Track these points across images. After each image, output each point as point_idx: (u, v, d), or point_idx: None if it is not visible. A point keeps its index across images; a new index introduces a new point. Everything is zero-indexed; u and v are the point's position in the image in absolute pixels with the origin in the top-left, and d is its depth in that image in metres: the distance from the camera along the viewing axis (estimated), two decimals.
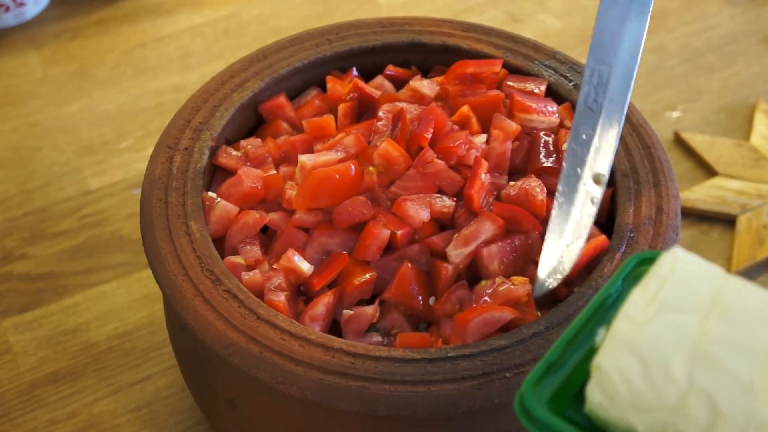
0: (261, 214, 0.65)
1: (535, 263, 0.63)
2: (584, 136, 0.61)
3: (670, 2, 1.11)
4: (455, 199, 0.65)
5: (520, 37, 0.74)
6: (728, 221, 0.89)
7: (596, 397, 0.44)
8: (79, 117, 0.99)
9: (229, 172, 0.68)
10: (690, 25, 1.09)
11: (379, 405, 0.55)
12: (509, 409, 0.56)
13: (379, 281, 0.63)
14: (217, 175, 0.69)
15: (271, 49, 0.74)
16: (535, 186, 0.64)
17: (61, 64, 1.04)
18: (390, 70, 0.74)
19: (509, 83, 0.71)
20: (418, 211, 0.63)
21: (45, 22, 1.09)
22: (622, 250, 0.61)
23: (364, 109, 0.71)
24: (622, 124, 0.62)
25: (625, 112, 0.62)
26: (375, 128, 0.68)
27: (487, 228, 0.62)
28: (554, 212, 0.61)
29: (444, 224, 0.65)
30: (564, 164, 0.61)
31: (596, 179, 0.62)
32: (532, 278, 0.62)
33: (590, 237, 0.62)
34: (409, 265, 0.63)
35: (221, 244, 0.65)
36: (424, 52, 0.75)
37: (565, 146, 0.65)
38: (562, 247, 0.61)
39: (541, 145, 0.67)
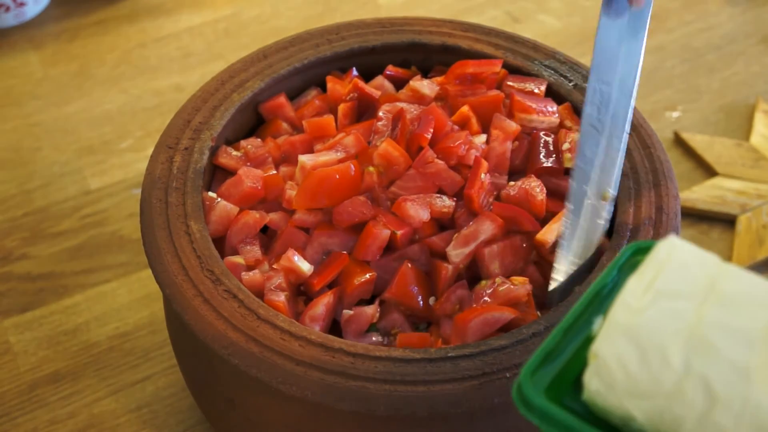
0: (261, 214, 0.65)
1: (535, 263, 0.64)
2: (589, 155, 0.62)
3: (670, 2, 1.11)
4: (455, 199, 0.65)
5: (520, 37, 0.75)
6: (728, 221, 0.89)
7: (594, 385, 0.44)
8: (79, 117, 0.99)
9: (229, 172, 0.68)
10: (690, 25, 1.09)
11: (379, 405, 0.55)
12: (509, 409, 0.56)
13: (379, 281, 0.63)
14: (217, 175, 0.69)
15: (271, 49, 0.74)
16: (534, 186, 0.64)
17: (61, 64, 1.04)
18: (390, 70, 0.74)
19: (509, 83, 0.71)
20: (419, 211, 0.63)
21: (45, 22, 1.09)
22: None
23: (364, 109, 0.71)
24: (625, 142, 0.63)
25: (628, 129, 0.63)
26: (375, 128, 0.68)
27: (486, 228, 0.63)
28: (564, 230, 0.61)
29: (444, 224, 0.65)
30: (571, 182, 0.62)
31: (603, 196, 0.62)
32: (532, 278, 0.62)
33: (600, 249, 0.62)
34: (409, 265, 0.63)
35: (221, 244, 0.65)
36: (424, 52, 0.75)
37: (569, 159, 0.66)
38: (573, 263, 0.61)
39: (541, 145, 0.67)
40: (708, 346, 0.43)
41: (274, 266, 0.63)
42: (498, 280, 0.61)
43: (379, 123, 0.68)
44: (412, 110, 0.68)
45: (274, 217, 0.66)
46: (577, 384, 0.46)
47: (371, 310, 0.62)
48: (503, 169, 0.67)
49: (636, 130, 0.68)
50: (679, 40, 1.07)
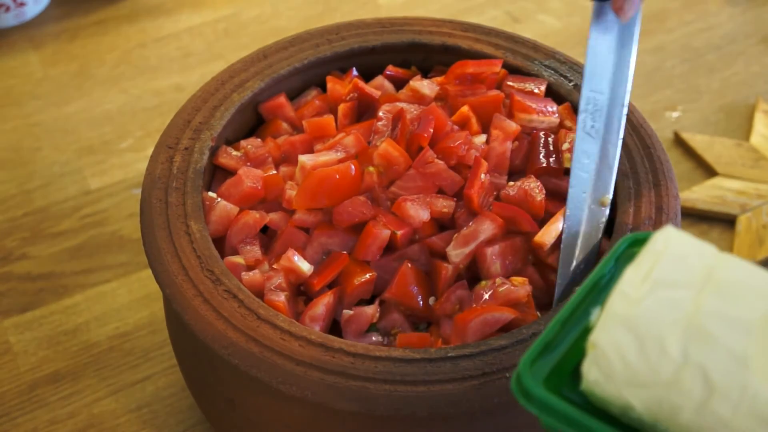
0: (261, 214, 0.65)
1: (533, 264, 0.64)
2: (586, 161, 0.63)
3: (670, 2, 1.11)
4: (455, 199, 0.65)
5: (520, 37, 0.74)
6: (728, 221, 0.89)
7: (592, 374, 0.44)
8: (79, 117, 0.99)
9: (229, 172, 0.68)
10: (690, 25, 1.09)
11: (379, 405, 0.55)
12: (509, 409, 0.57)
13: (379, 281, 0.63)
14: (217, 175, 0.69)
15: (271, 49, 0.74)
16: (534, 187, 0.64)
17: (61, 64, 1.04)
18: (390, 70, 0.74)
19: (509, 83, 0.71)
20: (419, 211, 0.63)
21: (45, 22, 1.09)
22: None
23: (364, 109, 0.71)
24: (619, 148, 0.64)
25: (622, 136, 0.64)
26: (375, 128, 0.68)
27: (486, 227, 0.63)
28: (564, 236, 0.62)
29: (444, 224, 0.65)
30: (569, 189, 0.63)
31: (602, 202, 0.63)
32: (531, 279, 0.62)
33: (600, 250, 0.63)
34: (409, 265, 0.63)
35: (221, 244, 0.65)
36: (424, 52, 0.75)
37: (568, 160, 0.66)
38: (574, 269, 0.62)
39: (541, 145, 0.67)
40: (706, 335, 0.43)
41: (274, 266, 0.63)
42: (498, 280, 0.61)
43: (379, 123, 0.68)
44: (412, 110, 0.68)
45: (274, 217, 0.66)
46: (576, 375, 0.46)
47: (371, 310, 0.62)
48: (503, 169, 0.67)
49: (636, 130, 0.68)
50: (679, 40, 1.07)
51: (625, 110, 0.64)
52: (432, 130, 0.65)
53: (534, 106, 0.68)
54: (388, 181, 0.65)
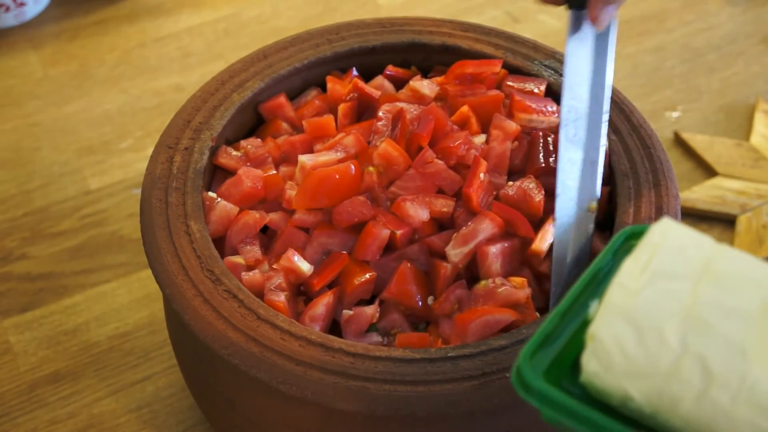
0: (261, 214, 0.65)
1: (529, 266, 0.64)
2: (571, 169, 0.63)
3: (670, 2, 1.11)
4: (454, 198, 0.65)
5: (520, 37, 0.74)
6: (728, 221, 0.89)
7: (591, 366, 0.44)
8: (79, 117, 0.99)
9: (229, 172, 0.68)
10: (690, 25, 1.09)
11: (379, 405, 0.55)
12: (509, 409, 0.57)
13: (379, 281, 0.63)
14: (217, 175, 0.69)
15: (271, 49, 0.74)
16: (532, 187, 0.64)
17: (61, 64, 1.04)
18: (390, 70, 0.74)
19: (509, 83, 0.71)
20: (418, 211, 0.63)
21: (45, 22, 1.09)
22: None
23: (364, 109, 0.71)
24: (602, 156, 0.64)
25: (604, 143, 0.64)
26: (375, 128, 0.68)
27: (485, 227, 0.63)
28: (555, 244, 0.62)
29: (443, 224, 0.65)
30: (557, 197, 0.63)
31: (590, 208, 0.64)
32: (527, 279, 0.62)
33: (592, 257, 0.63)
34: (408, 264, 0.63)
35: (221, 244, 0.65)
36: (424, 52, 0.75)
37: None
38: (567, 275, 0.62)
39: (541, 145, 0.67)
40: (704, 325, 0.43)
41: (274, 266, 0.63)
42: (498, 281, 0.61)
43: (379, 123, 0.68)
44: (411, 110, 0.68)
45: (274, 217, 0.66)
46: (575, 367, 0.46)
47: (371, 311, 0.62)
48: (503, 169, 0.67)
49: (636, 130, 0.68)
50: (679, 40, 1.07)
51: (606, 117, 0.64)
52: (432, 130, 0.65)
53: (534, 105, 0.68)
54: (387, 181, 0.65)
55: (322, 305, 0.61)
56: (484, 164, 0.64)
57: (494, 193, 0.65)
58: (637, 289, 0.45)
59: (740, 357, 0.42)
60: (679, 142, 0.96)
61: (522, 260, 0.64)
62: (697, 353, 0.43)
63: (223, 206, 0.65)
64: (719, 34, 1.08)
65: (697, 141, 0.95)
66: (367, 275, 0.62)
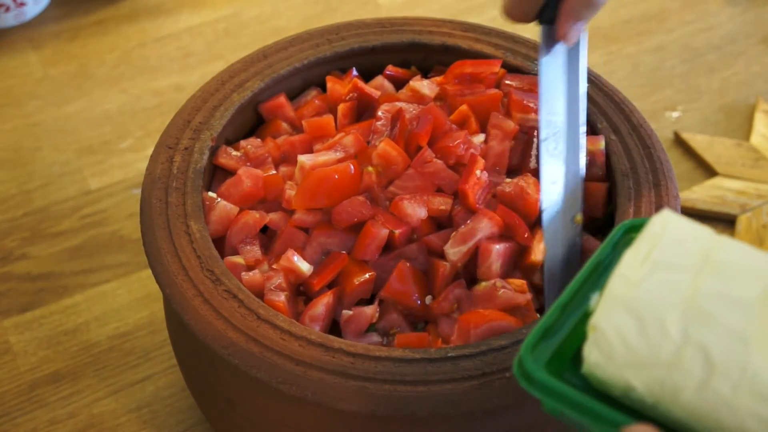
0: (261, 214, 0.65)
1: (522, 273, 0.64)
2: (554, 183, 0.64)
3: (670, 2, 1.11)
4: (452, 196, 0.65)
5: (520, 37, 0.74)
6: (728, 221, 0.89)
7: (593, 357, 0.45)
8: (79, 117, 0.99)
9: (229, 172, 0.68)
10: (690, 25, 1.09)
11: (379, 405, 0.55)
12: (509, 409, 0.57)
13: (378, 281, 0.63)
14: (217, 175, 0.69)
15: (271, 49, 0.74)
16: (530, 184, 0.64)
17: (61, 64, 1.04)
18: (390, 70, 0.74)
19: (507, 81, 0.71)
20: (416, 209, 0.63)
21: (45, 22, 1.09)
22: None
23: (363, 109, 0.71)
24: (583, 167, 0.65)
25: (583, 155, 0.65)
26: (374, 128, 0.68)
27: (484, 226, 0.62)
28: (546, 257, 0.63)
29: (442, 223, 0.65)
30: (543, 212, 0.64)
31: (575, 219, 0.64)
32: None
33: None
34: (406, 263, 0.63)
35: (221, 244, 0.65)
36: (424, 52, 0.75)
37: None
38: (559, 285, 0.62)
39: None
40: (705, 315, 0.43)
41: (274, 266, 0.63)
42: (498, 282, 0.61)
43: (378, 123, 0.68)
44: (411, 110, 0.68)
45: (273, 217, 0.66)
46: (576, 359, 0.47)
47: (370, 311, 0.62)
48: (502, 168, 0.67)
49: (636, 130, 0.68)
50: (679, 40, 1.07)
51: (583, 129, 0.65)
52: (431, 130, 0.65)
53: (532, 104, 0.68)
54: (386, 181, 0.65)
55: (321, 305, 0.61)
56: (481, 162, 0.64)
57: (493, 191, 0.65)
58: (638, 280, 0.45)
59: (741, 346, 0.42)
60: (679, 142, 0.96)
61: (516, 266, 0.64)
62: (698, 343, 0.43)
63: (223, 206, 0.65)
64: (719, 34, 1.08)
65: (697, 141, 0.95)
66: (367, 275, 0.62)
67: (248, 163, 0.68)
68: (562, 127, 0.64)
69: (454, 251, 0.62)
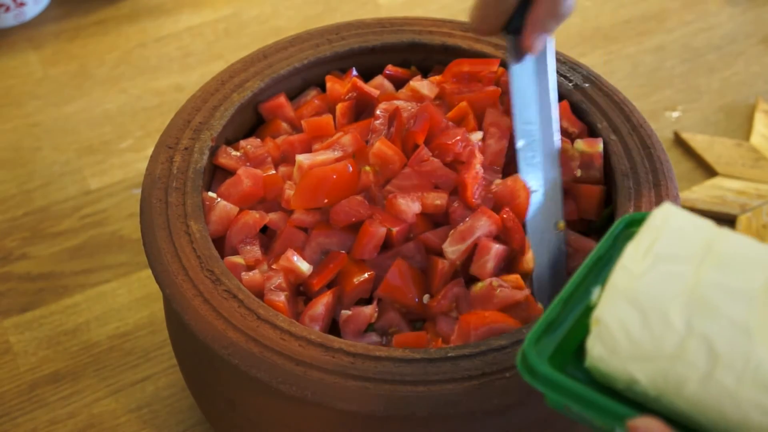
0: (261, 214, 0.65)
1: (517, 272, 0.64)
2: (534, 190, 0.65)
3: (670, 2, 1.11)
4: (447, 192, 0.64)
5: None
6: (728, 221, 0.89)
7: (597, 350, 0.45)
8: (79, 117, 0.99)
9: (229, 172, 0.68)
10: (690, 25, 1.09)
11: (379, 405, 0.55)
12: (509, 409, 0.57)
13: (377, 280, 0.63)
14: (217, 175, 0.69)
15: (271, 49, 0.74)
16: (520, 185, 0.64)
17: (61, 64, 1.04)
18: (389, 69, 0.74)
19: (505, 78, 0.71)
20: (410, 205, 0.63)
21: (45, 22, 1.09)
22: None
23: (363, 109, 0.71)
24: (560, 174, 0.66)
25: (558, 162, 0.66)
26: (373, 127, 0.68)
27: (483, 224, 0.62)
28: (535, 264, 0.63)
29: (438, 221, 0.65)
30: (527, 218, 0.64)
31: (558, 226, 0.65)
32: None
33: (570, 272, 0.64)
34: (403, 261, 0.63)
35: (221, 244, 0.65)
36: (424, 52, 0.75)
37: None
38: (548, 293, 0.63)
39: None
40: (708, 306, 0.43)
41: (274, 266, 0.63)
42: (495, 282, 0.61)
43: (377, 122, 0.68)
44: (408, 108, 0.68)
45: (273, 217, 0.66)
46: (579, 353, 0.47)
47: (369, 310, 0.62)
48: (499, 167, 0.67)
49: (636, 130, 0.68)
50: (679, 40, 1.07)
51: (558, 136, 0.66)
52: (427, 128, 0.65)
53: None
54: (384, 180, 0.65)
55: (321, 305, 0.61)
56: (480, 156, 0.65)
57: (488, 189, 0.65)
58: (640, 273, 0.45)
59: (745, 337, 0.43)
60: (679, 142, 0.96)
61: (508, 272, 0.64)
62: (702, 334, 0.43)
63: (223, 206, 0.65)
64: (719, 34, 1.08)
65: (697, 141, 0.95)
66: (366, 275, 0.62)
67: (248, 163, 0.68)
68: (538, 135, 0.65)
69: (453, 249, 0.62)
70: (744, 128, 0.98)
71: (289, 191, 0.65)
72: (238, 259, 0.63)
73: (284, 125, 0.72)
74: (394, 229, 0.63)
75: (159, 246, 0.61)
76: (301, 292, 0.63)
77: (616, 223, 0.52)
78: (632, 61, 1.04)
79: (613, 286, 0.45)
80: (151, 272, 0.62)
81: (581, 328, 0.47)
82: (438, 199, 0.64)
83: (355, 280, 0.62)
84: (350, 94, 0.71)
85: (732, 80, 1.02)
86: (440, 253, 0.63)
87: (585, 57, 1.04)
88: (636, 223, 0.51)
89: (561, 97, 0.71)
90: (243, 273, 0.62)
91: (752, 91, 1.01)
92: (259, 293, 0.61)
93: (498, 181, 0.65)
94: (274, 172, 0.68)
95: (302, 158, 0.65)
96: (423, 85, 0.70)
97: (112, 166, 0.94)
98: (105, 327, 0.81)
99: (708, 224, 0.48)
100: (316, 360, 0.56)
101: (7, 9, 1.06)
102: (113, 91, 1.01)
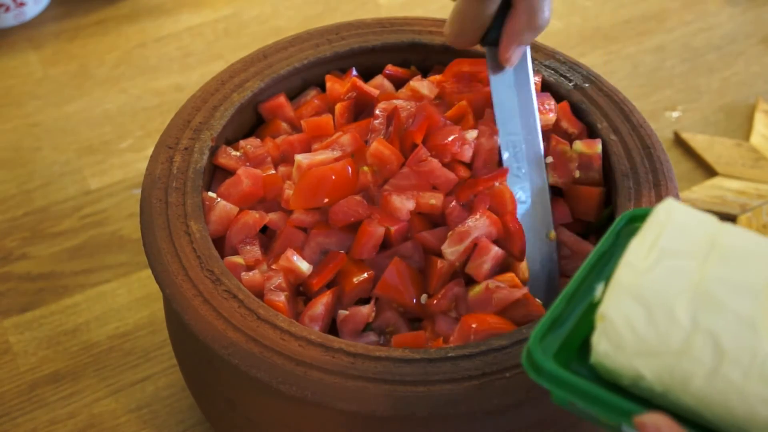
0: (261, 214, 0.65)
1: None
2: (523, 202, 0.65)
3: (670, 2, 1.11)
4: (445, 194, 0.64)
5: None
6: (728, 221, 0.89)
7: (602, 346, 0.44)
8: (79, 117, 0.99)
9: (229, 172, 0.68)
10: (690, 25, 1.09)
11: (379, 405, 0.55)
12: (509, 409, 0.57)
13: (376, 280, 0.63)
14: (217, 175, 0.69)
15: (271, 49, 0.74)
16: (504, 190, 0.64)
17: (61, 64, 1.04)
18: (389, 69, 0.74)
19: None
20: (404, 202, 0.63)
21: (45, 22, 1.09)
22: None
23: (362, 108, 0.71)
24: (547, 183, 0.66)
25: (545, 171, 0.66)
26: (372, 126, 0.68)
27: (481, 224, 0.62)
28: (530, 273, 0.63)
29: (436, 221, 0.65)
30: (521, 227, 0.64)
31: (549, 236, 0.65)
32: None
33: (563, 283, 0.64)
34: (400, 260, 0.63)
35: (221, 244, 0.65)
36: (424, 52, 0.75)
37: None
38: (543, 303, 0.62)
39: None
40: (714, 301, 0.43)
41: (274, 266, 0.63)
42: (491, 284, 0.61)
43: (376, 121, 0.68)
44: (407, 107, 0.68)
45: (273, 217, 0.66)
46: (583, 350, 0.46)
47: (366, 310, 0.62)
48: (492, 165, 0.67)
49: (636, 130, 0.68)
50: (679, 40, 1.07)
51: (542, 144, 0.66)
52: (425, 127, 0.65)
53: None
54: (382, 180, 0.65)
55: (321, 305, 0.61)
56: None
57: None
58: (645, 268, 0.45)
59: (751, 332, 0.42)
60: (679, 142, 0.96)
61: (506, 267, 0.64)
62: (707, 330, 0.43)
63: (222, 206, 0.65)
64: (719, 34, 1.08)
65: (697, 141, 0.95)
66: (365, 274, 0.62)
67: (248, 163, 0.68)
68: (522, 145, 0.66)
69: (452, 251, 0.62)
70: (744, 128, 0.98)
71: (288, 191, 0.65)
72: (238, 259, 0.63)
73: (284, 125, 0.72)
74: (393, 228, 0.63)
75: (159, 246, 0.61)
76: (300, 292, 0.63)
77: (618, 219, 0.52)
78: (632, 61, 1.04)
79: (617, 282, 0.45)
80: (151, 272, 0.62)
81: (585, 325, 0.47)
82: (433, 198, 0.64)
83: (354, 279, 0.62)
84: (350, 94, 0.71)
85: (732, 80, 1.02)
86: (438, 253, 0.63)
87: (585, 57, 1.04)
88: (638, 218, 0.51)
89: (561, 98, 0.71)
90: (243, 273, 0.62)
91: (752, 91, 1.01)
92: (259, 293, 0.61)
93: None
94: (273, 172, 0.68)
95: (301, 158, 0.65)
96: (423, 85, 0.70)
97: (112, 166, 0.94)
98: (105, 327, 0.81)
99: (711, 219, 0.47)
100: (316, 360, 0.56)
101: (7, 9, 1.06)
102: (113, 91, 1.01)
